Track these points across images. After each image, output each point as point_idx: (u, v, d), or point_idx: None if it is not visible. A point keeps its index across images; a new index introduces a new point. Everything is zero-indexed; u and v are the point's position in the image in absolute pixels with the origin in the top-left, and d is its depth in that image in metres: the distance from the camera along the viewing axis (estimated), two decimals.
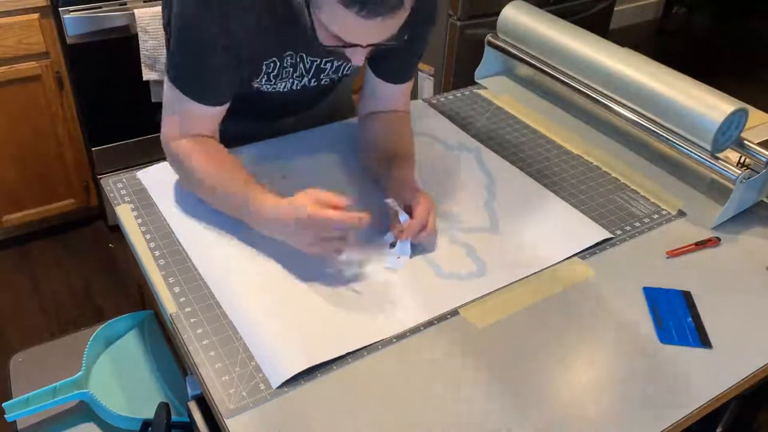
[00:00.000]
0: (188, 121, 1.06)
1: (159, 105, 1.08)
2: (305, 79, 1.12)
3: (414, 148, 1.21)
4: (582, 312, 0.96)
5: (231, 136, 1.24)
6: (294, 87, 1.13)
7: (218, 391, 0.82)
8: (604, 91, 1.28)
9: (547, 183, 1.21)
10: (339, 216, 0.92)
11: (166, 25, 1.07)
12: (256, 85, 1.09)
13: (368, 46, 0.87)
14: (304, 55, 1.07)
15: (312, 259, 0.99)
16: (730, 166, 1.12)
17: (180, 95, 1.03)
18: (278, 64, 1.06)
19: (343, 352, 0.87)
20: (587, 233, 1.09)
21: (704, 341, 0.92)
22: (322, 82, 1.16)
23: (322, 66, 1.11)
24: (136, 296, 1.57)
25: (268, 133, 1.29)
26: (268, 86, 1.10)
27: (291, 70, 1.08)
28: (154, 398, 1.15)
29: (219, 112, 1.07)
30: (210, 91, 1.03)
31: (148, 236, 1.05)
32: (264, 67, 1.06)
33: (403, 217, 1.02)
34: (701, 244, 1.09)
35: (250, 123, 1.28)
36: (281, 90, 1.12)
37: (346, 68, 1.16)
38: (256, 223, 1.00)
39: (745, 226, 1.14)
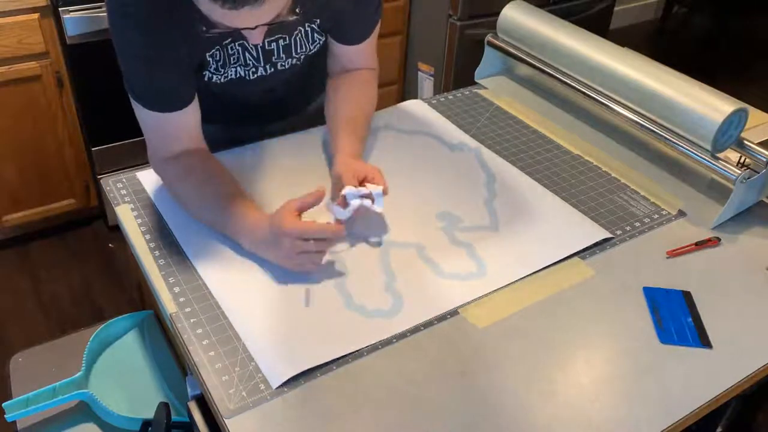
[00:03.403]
0: (167, 137, 1.06)
1: None
2: (260, 69, 1.10)
3: (372, 109, 1.22)
4: (582, 312, 0.96)
5: (222, 140, 1.24)
6: (248, 76, 1.10)
7: (218, 391, 0.82)
8: (604, 91, 1.28)
9: (547, 183, 1.21)
10: (315, 227, 0.94)
11: None
12: (206, 78, 1.08)
13: (258, 27, 0.87)
14: (245, 42, 1.05)
15: None
16: (730, 166, 1.12)
17: (146, 111, 1.02)
18: (222, 52, 1.05)
19: (343, 353, 0.87)
20: (587, 233, 1.09)
21: (704, 341, 0.92)
22: (279, 67, 1.12)
23: (267, 48, 1.08)
24: (136, 296, 1.57)
25: (263, 136, 1.29)
26: (218, 77, 1.08)
27: (237, 56, 1.07)
28: (154, 398, 1.15)
29: (192, 114, 1.06)
30: (168, 96, 1.02)
31: (147, 236, 1.05)
32: (209, 59, 1.05)
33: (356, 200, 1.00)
34: (701, 244, 1.09)
35: (241, 127, 1.28)
36: (233, 77, 1.10)
37: (300, 47, 1.12)
38: (238, 238, 1.01)
39: (745, 226, 1.14)
